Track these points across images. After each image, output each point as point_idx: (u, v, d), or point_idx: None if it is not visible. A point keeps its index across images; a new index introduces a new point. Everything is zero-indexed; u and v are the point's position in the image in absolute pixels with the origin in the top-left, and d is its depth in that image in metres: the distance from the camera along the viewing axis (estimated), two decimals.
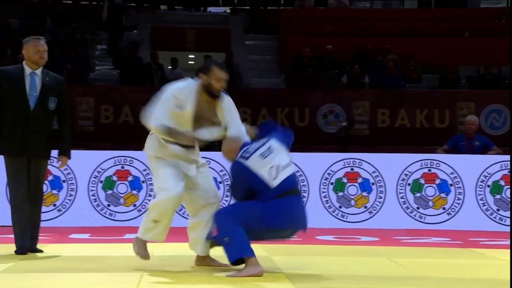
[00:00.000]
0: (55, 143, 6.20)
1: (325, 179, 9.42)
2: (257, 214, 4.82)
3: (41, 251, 6.10)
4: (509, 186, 9.40)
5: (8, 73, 6.09)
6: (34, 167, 6.06)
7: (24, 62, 6.15)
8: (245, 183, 4.93)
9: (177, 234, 5.78)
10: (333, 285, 4.65)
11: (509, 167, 9.45)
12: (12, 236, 6.09)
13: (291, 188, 4.94)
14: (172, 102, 5.12)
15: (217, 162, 9.08)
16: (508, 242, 7.74)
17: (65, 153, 6.21)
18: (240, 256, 4.79)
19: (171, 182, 5.03)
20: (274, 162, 4.90)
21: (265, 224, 4.83)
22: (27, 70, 6.11)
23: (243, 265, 4.85)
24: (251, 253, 4.80)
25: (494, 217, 9.39)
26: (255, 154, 4.91)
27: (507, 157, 9.52)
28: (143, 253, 5.17)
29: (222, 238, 4.82)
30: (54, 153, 6.23)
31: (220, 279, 4.79)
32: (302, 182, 9.35)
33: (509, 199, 9.39)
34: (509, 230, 9.14)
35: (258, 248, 5.29)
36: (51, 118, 6.12)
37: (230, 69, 14.64)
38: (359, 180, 9.40)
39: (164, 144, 5.15)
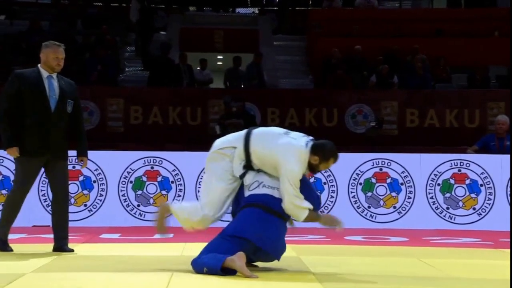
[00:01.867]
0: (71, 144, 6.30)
1: (353, 179, 9.39)
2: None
3: (72, 250, 6.15)
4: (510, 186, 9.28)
5: (26, 76, 6.15)
6: (58, 168, 6.14)
7: (39, 65, 6.21)
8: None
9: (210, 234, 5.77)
10: (361, 285, 4.62)
11: None
12: (52, 235, 6.19)
13: (258, 203, 4.95)
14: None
15: None
16: None
17: (84, 154, 6.30)
18: (219, 266, 4.77)
19: None
20: (261, 179, 5.01)
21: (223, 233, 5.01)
22: (44, 73, 6.19)
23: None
24: (223, 257, 4.79)
25: None
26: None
27: None
28: None
29: (203, 271, 4.87)
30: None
31: (249, 280, 4.77)
32: (331, 182, 9.33)
33: None
34: None
35: (288, 249, 5.29)
36: (68, 121, 6.20)
37: (258, 69, 14.78)
38: (388, 180, 9.36)
39: None
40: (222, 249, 4.88)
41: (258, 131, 5.12)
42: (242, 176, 5.05)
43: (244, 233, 4.90)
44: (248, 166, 5.05)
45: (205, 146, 10.82)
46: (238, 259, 4.71)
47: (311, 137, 5.10)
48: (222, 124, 11.54)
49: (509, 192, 9.32)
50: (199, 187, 9.27)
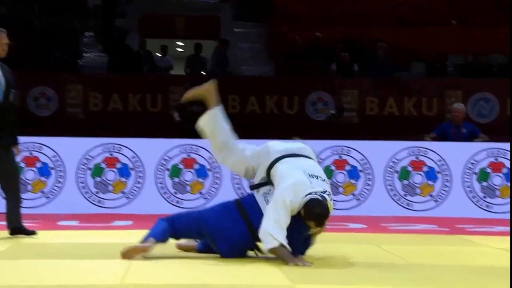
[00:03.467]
0: None
1: None
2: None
3: (33, 232, 6.18)
4: (497, 174, 9.43)
5: None
6: (9, 156, 6.16)
7: None
8: None
9: None
10: (321, 271, 4.65)
11: (496, 154, 9.49)
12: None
13: (244, 207, 5.01)
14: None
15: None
16: (496, 229, 7.79)
17: (17, 142, 6.34)
18: (159, 239, 4.97)
19: None
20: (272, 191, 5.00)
21: None
22: None
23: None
24: (154, 235, 4.95)
25: (481, 204, 9.44)
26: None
27: (494, 145, 9.56)
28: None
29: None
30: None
31: (211, 267, 4.77)
32: None
33: (494, 186, 9.43)
34: (496, 217, 9.19)
35: None
36: (13, 110, 6.18)
37: (224, 56, 14.72)
38: (347, 168, 9.42)
39: None
40: (181, 223, 5.02)
41: (288, 161, 5.04)
42: (253, 187, 5.10)
43: (207, 218, 4.99)
44: (265, 183, 5.06)
45: (165, 133, 10.87)
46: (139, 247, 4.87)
47: (327, 191, 4.89)
48: (182, 110, 11.48)
49: (465, 179, 9.47)
50: (159, 174, 9.25)
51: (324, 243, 5.87)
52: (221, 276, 4.41)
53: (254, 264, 4.82)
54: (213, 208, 5.14)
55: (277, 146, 5.19)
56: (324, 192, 4.86)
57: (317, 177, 4.94)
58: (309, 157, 5.16)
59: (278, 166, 4.98)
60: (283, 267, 4.61)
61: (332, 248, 5.71)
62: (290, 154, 5.08)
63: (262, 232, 4.80)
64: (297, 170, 4.92)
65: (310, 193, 4.79)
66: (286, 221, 4.77)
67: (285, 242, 4.74)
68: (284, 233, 4.75)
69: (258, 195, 5.02)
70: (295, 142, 5.42)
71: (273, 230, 4.73)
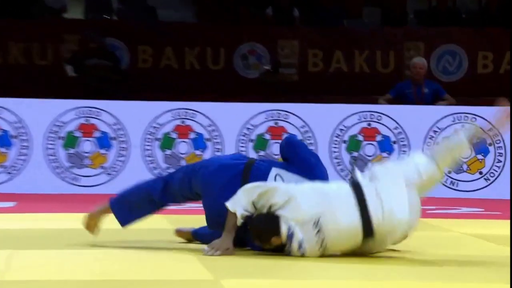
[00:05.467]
0: None
1: (243, 135, 9.46)
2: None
3: None
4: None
5: None
6: None
7: None
8: None
9: None
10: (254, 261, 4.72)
11: (463, 120, 9.71)
12: None
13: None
14: None
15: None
16: (462, 211, 8.01)
17: None
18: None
19: None
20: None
21: None
22: None
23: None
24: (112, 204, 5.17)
25: (445, 181, 9.64)
26: None
27: (462, 109, 9.78)
28: None
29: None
30: None
31: (131, 260, 4.81)
32: (215, 138, 9.38)
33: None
34: (462, 196, 9.45)
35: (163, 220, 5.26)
36: None
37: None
38: (284, 136, 9.50)
39: None
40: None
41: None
42: None
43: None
44: None
45: (56, 91, 10.74)
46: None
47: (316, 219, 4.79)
48: (78, 64, 11.35)
49: (426, 148, 9.66)
50: (50, 138, 9.20)
51: None
52: (136, 271, 4.46)
53: (175, 256, 4.90)
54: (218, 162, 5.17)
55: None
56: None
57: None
58: None
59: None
60: (206, 260, 4.69)
61: None
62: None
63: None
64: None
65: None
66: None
67: (237, 212, 4.80)
68: (237, 204, 4.82)
69: (275, 169, 5.05)
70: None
71: (234, 199, 4.85)
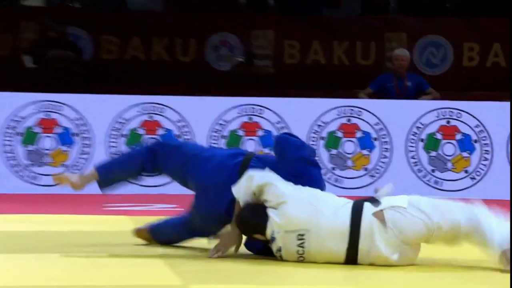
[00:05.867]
0: None
1: (215, 132, 9.46)
2: None
3: None
4: (449, 141, 9.64)
5: None
6: None
7: None
8: None
9: None
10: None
11: (448, 116, 9.69)
12: None
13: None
14: None
15: None
16: None
17: None
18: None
19: None
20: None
21: None
22: None
23: None
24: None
25: (428, 180, 9.65)
26: None
27: (447, 103, 9.78)
28: None
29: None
30: None
31: (96, 263, 4.79)
32: (185, 134, 9.34)
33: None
34: (447, 196, 9.39)
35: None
36: None
37: None
38: (260, 133, 9.56)
39: None
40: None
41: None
42: None
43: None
44: None
45: (14, 83, 10.62)
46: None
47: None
48: (38, 55, 11.22)
49: (409, 147, 9.63)
50: (7, 134, 9.16)
51: None
52: (100, 277, 4.46)
53: (143, 261, 4.95)
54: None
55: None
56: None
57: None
58: None
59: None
60: (175, 265, 4.73)
61: None
62: None
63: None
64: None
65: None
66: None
67: (239, 199, 4.87)
68: (239, 191, 4.88)
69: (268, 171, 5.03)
70: None
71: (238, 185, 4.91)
